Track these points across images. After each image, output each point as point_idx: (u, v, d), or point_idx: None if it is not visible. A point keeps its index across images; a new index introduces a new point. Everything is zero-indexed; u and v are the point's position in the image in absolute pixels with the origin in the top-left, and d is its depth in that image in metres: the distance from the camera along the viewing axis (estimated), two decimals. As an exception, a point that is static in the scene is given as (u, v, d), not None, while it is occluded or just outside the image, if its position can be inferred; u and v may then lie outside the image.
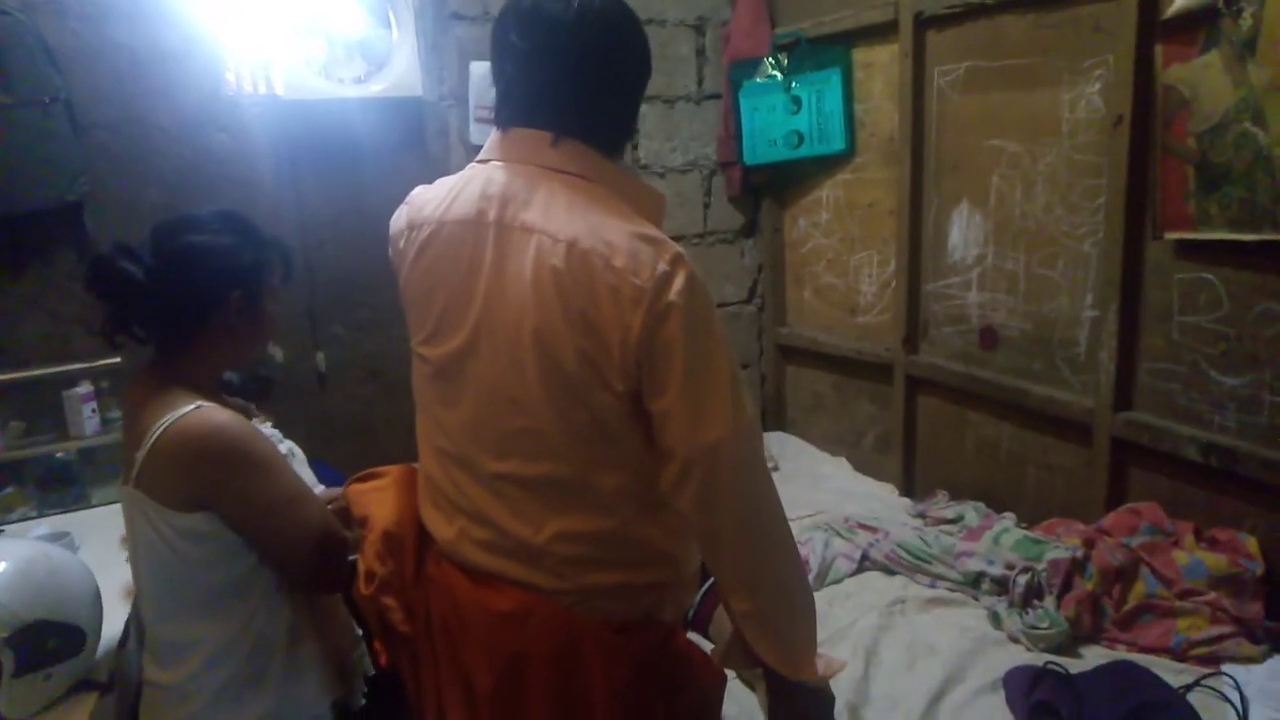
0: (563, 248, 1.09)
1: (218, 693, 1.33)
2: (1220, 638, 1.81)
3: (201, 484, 1.28)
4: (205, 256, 1.34)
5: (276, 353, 2.66)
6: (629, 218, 1.12)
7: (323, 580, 1.40)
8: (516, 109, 1.19)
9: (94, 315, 2.38)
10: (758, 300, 3.48)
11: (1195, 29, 1.86)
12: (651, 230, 1.12)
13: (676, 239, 1.12)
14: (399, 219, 1.29)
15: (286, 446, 1.49)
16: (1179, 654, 1.83)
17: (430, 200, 1.24)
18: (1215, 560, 1.91)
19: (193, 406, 1.29)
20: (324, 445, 2.77)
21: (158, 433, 1.26)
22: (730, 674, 1.38)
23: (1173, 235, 1.99)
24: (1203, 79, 1.86)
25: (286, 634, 1.39)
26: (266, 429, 1.47)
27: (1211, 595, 1.87)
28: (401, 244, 1.27)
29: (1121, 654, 1.88)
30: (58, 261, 2.44)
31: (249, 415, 1.42)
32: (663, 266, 1.07)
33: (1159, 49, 1.95)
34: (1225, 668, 1.76)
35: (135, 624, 1.68)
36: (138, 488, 1.29)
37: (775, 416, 3.47)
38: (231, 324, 1.37)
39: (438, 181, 1.28)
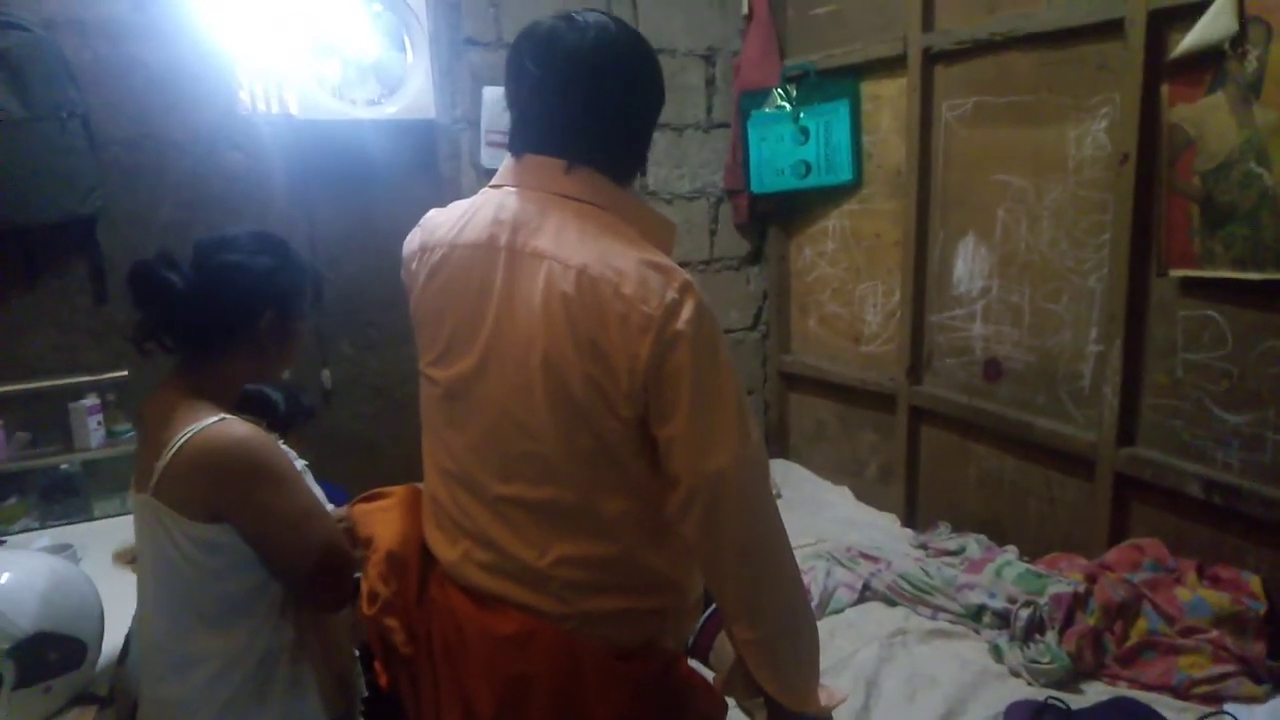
0: (573, 274, 1.09)
1: (223, 708, 1.33)
2: (1223, 676, 1.81)
3: (222, 495, 1.29)
4: (243, 276, 1.37)
5: (326, 377, 2.69)
6: (639, 245, 1.13)
7: (329, 597, 1.40)
8: (531, 136, 1.20)
9: (103, 328, 2.43)
10: (762, 327, 3.50)
11: (1201, 70, 1.88)
12: (661, 258, 1.12)
13: (682, 265, 1.13)
14: (412, 241, 1.30)
15: (301, 464, 1.49)
16: (1181, 692, 1.82)
17: (443, 223, 1.26)
18: (1218, 598, 1.90)
19: (216, 418, 1.30)
20: (328, 462, 2.76)
21: (180, 442, 1.27)
22: (730, 702, 1.37)
23: (1177, 272, 2.00)
24: (1208, 119, 1.88)
25: (290, 650, 1.39)
26: (282, 446, 1.48)
27: (1214, 633, 1.87)
28: (414, 265, 1.28)
29: (1123, 690, 1.87)
30: (69, 274, 2.46)
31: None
32: (671, 294, 1.08)
33: (1165, 88, 1.98)
34: (1228, 707, 1.75)
35: (134, 639, 1.68)
36: (155, 496, 1.29)
37: (778, 444, 3.47)
38: (260, 342, 1.39)
39: (451, 205, 1.29)
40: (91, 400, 2.40)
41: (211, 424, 1.29)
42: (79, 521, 2.30)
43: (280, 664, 1.37)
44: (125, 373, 2.43)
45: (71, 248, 2.43)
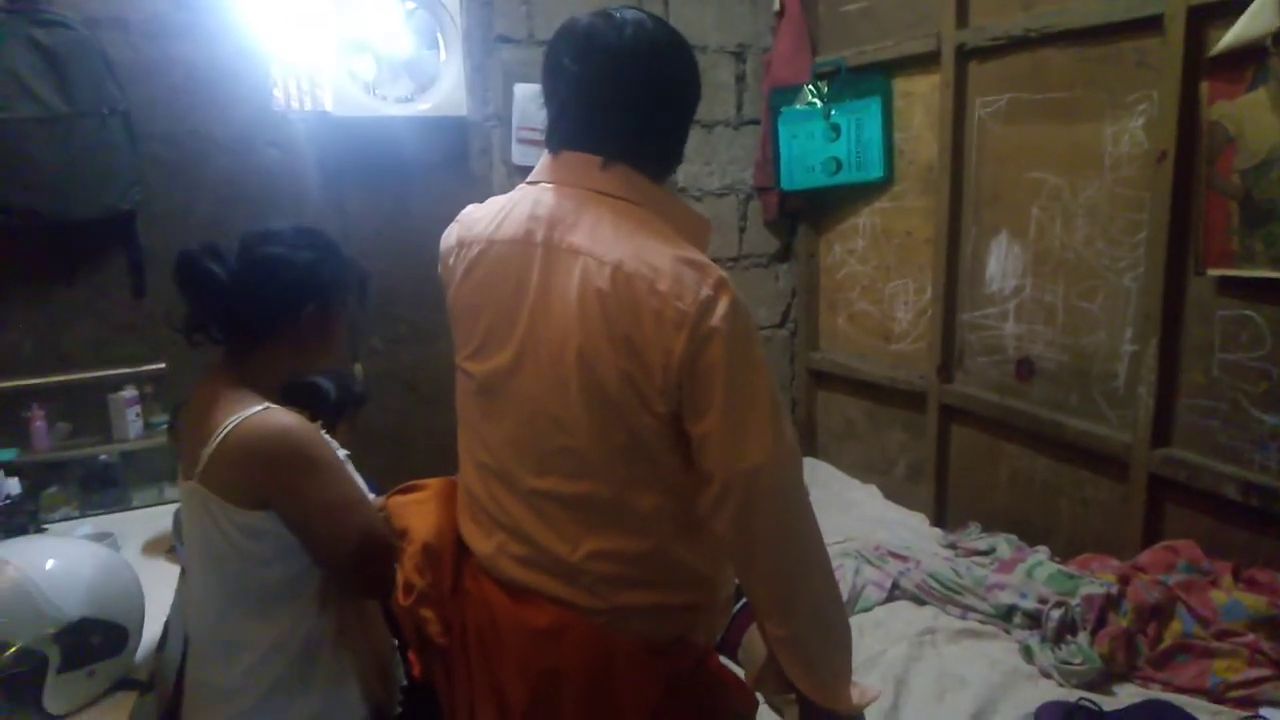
0: (608, 270, 1.10)
1: (266, 693, 1.36)
2: (1258, 680, 1.78)
3: (266, 482, 1.32)
4: (285, 268, 1.39)
5: (358, 371, 2.73)
6: (674, 242, 1.14)
7: (370, 584, 1.42)
8: (567, 132, 1.21)
9: (142, 321, 2.48)
10: (790, 325, 3.49)
11: (1242, 66, 1.86)
12: (696, 255, 1.13)
13: (711, 262, 1.14)
14: (449, 236, 1.32)
15: (343, 453, 1.52)
16: (1215, 695, 1.80)
17: (480, 219, 1.27)
18: (1254, 601, 1.88)
19: (261, 407, 1.33)
20: (358, 455, 2.80)
21: (226, 430, 1.30)
22: (759, 697, 1.38)
23: (1215, 271, 1.98)
24: (1249, 116, 1.86)
25: (333, 638, 1.41)
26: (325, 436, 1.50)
27: (1250, 637, 1.85)
28: (451, 261, 1.29)
29: (1156, 693, 1.85)
30: (109, 269, 2.50)
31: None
32: (706, 291, 1.08)
33: (1205, 85, 1.96)
34: (1263, 710, 1.73)
35: (177, 626, 1.71)
36: (201, 483, 1.32)
37: (806, 442, 3.46)
38: (301, 336, 1.41)
39: (489, 200, 1.30)
40: (130, 392, 2.44)
41: (256, 413, 1.32)
42: (117, 511, 2.35)
43: (323, 652, 1.40)
44: (163, 365, 2.47)
45: (111, 242, 2.48)
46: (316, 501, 1.34)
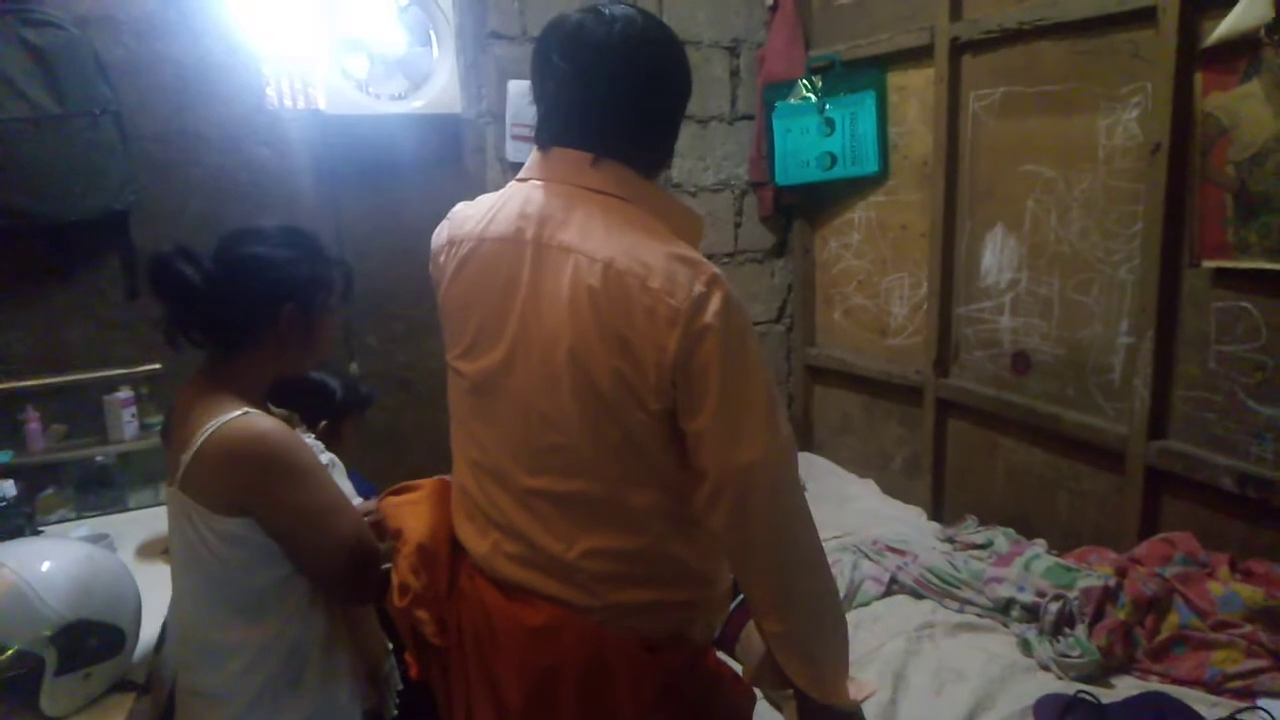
0: (599, 268, 1.10)
1: (254, 698, 1.34)
2: (1256, 671, 1.79)
3: (242, 489, 1.30)
4: (261, 267, 1.36)
5: (354, 367, 2.72)
6: (666, 239, 1.14)
7: (354, 591, 1.41)
8: (557, 129, 1.20)
9: (137, 322, 2.47)
10: (786, 320, 3.49)
11: (1236, 58, 1.85)
12: (688, 251, 1.13)
13: (706, 258, 1.13)
14: (440, 234, 1.31)
15: (327, 458, 1.50)
16: (1213, 686, 1.81)
17: (471, 217, 1.26)
18: (1251, 593, 1.88)
19: (239, 412, 1.30)
20: (354, 454, 2.80)
21: (204, 436, 1.28)
22: (758, 693, 1.38)
23: (1210, 263, 1.98)
24: (1243, 108, 1.85)
25: (321, 642, 1.40)
26: (308, 440, 1.48)
27: (1247, 628, 1.85)
28: (442, 259, 1.29)
29: (1154, 685, 1.85)
30: (103, 269, 2.48)
31: (291, 425, 1.44)
32: (699, 288, 1.08)
33: (1199, 77, 1.95)
34: (1261, 702, 1.73)
35: (174, 627, 1.70)
36: (182, 489, 1.31)
37: (802, 437, 3.46)
38: (281, 336, 1.38)
39: (479, 198, 1.30)
40: (125, 393, 2.43)
41: (234, 418, 1.30)
42: (114, 512, 2.34)
43: (312, 655, 1.39)
44: (158, 365, 2.46)
45: (104, 242, 2.46)
46: (294, 508, 1.32)
